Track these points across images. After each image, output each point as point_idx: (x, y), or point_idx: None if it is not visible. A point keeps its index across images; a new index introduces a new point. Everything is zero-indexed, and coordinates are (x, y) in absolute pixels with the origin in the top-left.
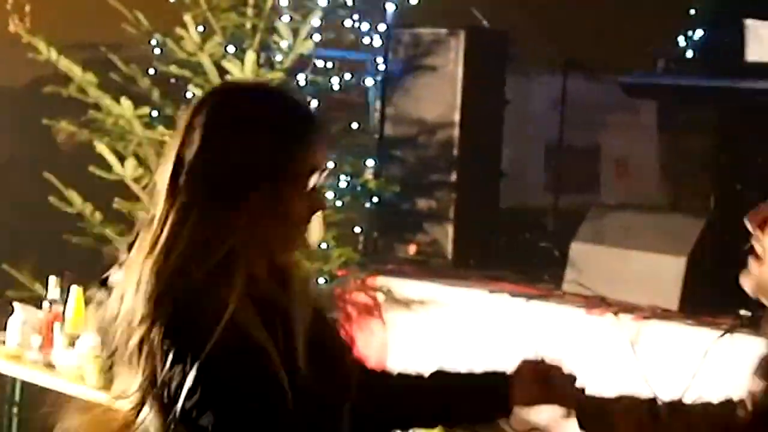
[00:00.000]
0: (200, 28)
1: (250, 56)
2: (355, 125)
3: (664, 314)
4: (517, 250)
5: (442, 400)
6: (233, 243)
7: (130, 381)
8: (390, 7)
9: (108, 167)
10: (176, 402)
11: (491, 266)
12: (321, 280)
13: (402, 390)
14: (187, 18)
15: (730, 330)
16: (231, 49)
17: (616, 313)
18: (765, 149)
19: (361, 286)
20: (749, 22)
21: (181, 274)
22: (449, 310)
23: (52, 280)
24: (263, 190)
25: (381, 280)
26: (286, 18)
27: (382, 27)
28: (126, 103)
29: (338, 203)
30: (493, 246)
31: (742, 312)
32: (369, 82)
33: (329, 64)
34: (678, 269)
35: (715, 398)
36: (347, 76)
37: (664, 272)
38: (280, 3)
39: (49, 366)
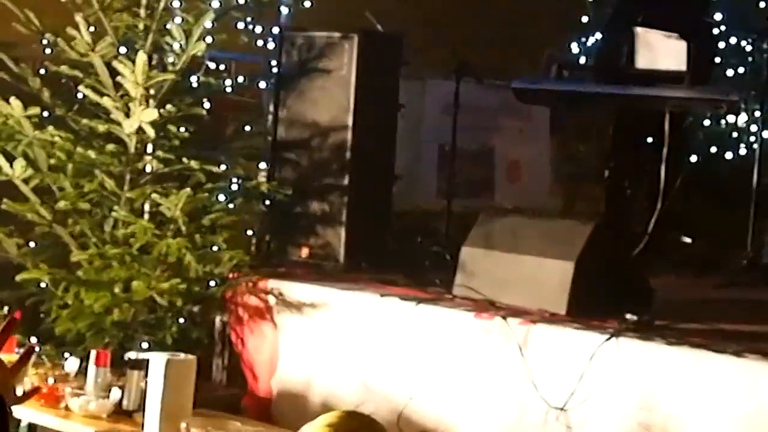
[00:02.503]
0: (92, 29)
1: (142, 57)
2: (248, 128)
3: (552, 318)
4: (409, 254)
5: None
6: None
7: None
8: (284, 10)
9: None
10: None
11: (383, 270)
12: (212, 283)
13: None
14: (79, 18)
15: (616, 334)
16: (123, 49)
17: (504, 317)
18: (653, 155)
19: (253, 288)
20: (639, 30)
21: None
22: (341, 314)
23: None
24: None
25: (272, 283)
26: (178, 19)
27: (275, 29)
28: (16, 102)
29: (230, 206)
30: (385, 249)
31: (628, 316)
32: (262, 84)
33: (222, 66)
34: (566, 273)
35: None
36: (240, 78)
37: (552, 276)
38: (173, 4)
39: None
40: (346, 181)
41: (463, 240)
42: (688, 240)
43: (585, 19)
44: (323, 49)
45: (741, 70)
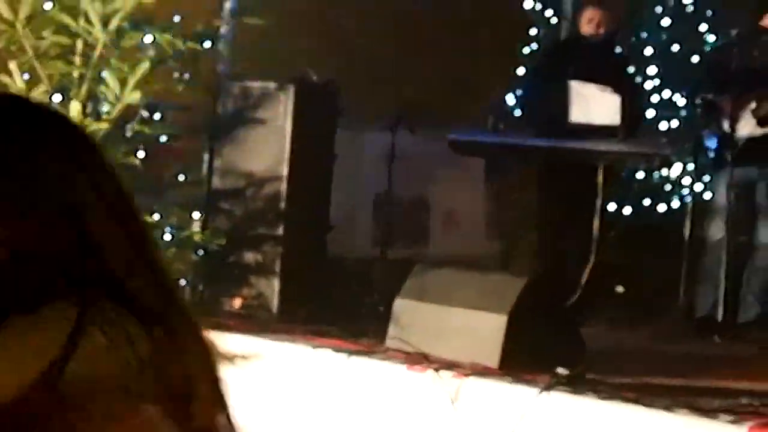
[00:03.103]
0: (26, 76)
1: (76, 106)
2: (182, 177)
3: (484, 371)
4: (343, 305)
5: None
6: None
7: None
8: (220, 59)
9: None
10: None
11: (316, 321)
12: None
13: None
14: (13, 65)
15: (548, 388)
16: (57, 97)
17: (437, 370)
18: (587, 207)
19: None
20: (573, 84)
21: None
22: (273, 365)
23: None
24: None
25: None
26: (114, 68)
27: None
28: None
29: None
30: (319, 300)
31: (560, 370)
32: (198, 133)
33: (158, 115)
34: (499, 327)
35: None
36: (176, 128)
37: (486, 329)
38: (108, 52)
39: None
40: (280, 231)
41: (398, 291)
42: (621, 289)
43: (521, 71)
44: (259, 98)
45: (674, 123)
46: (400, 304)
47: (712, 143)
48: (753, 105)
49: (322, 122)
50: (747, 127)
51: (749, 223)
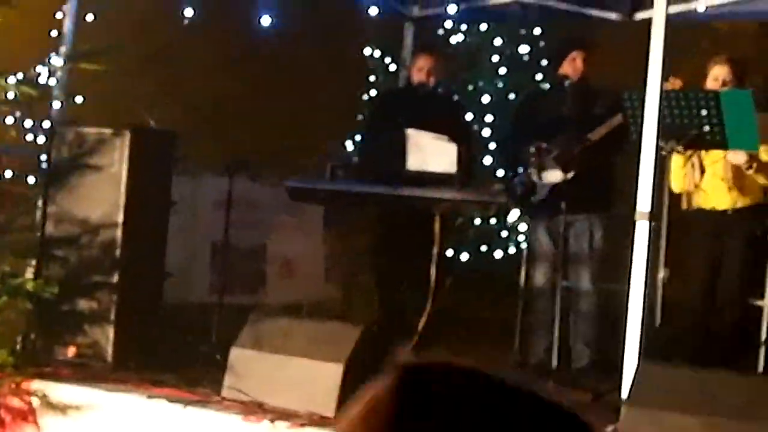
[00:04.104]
0: None
1: None
2: (15, 223)
3: (321, 421)
4: (179, 354)
5: None
6: None
7: None
8: (56, 105)
9: None
10: None
11: (152, 370)
12: None
13: None
14: None
15: None
16: None
17: (272, 420)
18: (424, 254)
19: (16, 389)
20: (410, 132)
21: None
22: (107, 416)
23: None
24: None
25: (36, 384)
26: None
27: (46, 124)
28: None
29: None
30: (155, 349)
31: None
32: (31, 179)
33: None
34: (335, 376)
35: None
36: (8, 173)
37: (322, 379)
38: None
39: None
40: (115, 279)
41: (235, 339)
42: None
43: (360, 118)
44: (94, 145)
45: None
46: (236, 353)
47: (522, 191)
48: (555, 153)
49: (158, 168)
50: (552, 174)
51: (569, 269)
